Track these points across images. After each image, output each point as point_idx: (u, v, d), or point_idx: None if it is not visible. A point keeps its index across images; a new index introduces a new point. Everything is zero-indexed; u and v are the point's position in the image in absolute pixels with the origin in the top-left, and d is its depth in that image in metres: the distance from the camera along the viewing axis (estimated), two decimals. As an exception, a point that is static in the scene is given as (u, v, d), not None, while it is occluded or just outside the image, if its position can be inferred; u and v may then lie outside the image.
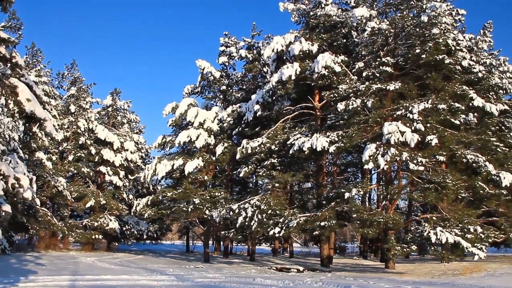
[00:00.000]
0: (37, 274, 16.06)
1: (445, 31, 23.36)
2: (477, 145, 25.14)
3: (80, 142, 36.43)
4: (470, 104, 24.28)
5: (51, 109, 34.90)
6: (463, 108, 23.16)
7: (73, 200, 34.44)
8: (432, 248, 20.34)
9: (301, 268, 22.60)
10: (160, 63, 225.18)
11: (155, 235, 43.89)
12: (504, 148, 26.61)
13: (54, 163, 33.90)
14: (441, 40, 22.66)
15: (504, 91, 31.42)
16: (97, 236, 34.79)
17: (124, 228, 38.86)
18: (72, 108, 37.28)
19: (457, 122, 22.77)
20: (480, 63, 29.88)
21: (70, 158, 36.19)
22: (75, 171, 36.38)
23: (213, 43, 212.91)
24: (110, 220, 35.36)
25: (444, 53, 22.93)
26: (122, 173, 37.78)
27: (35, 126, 12.97)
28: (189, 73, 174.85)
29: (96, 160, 37.17)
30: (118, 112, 42.58)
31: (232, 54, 34.43)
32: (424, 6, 22.86)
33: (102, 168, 36.98)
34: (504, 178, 22.76)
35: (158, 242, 51.57)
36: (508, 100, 32.76)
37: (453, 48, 24.17)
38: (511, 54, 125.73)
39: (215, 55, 34.77)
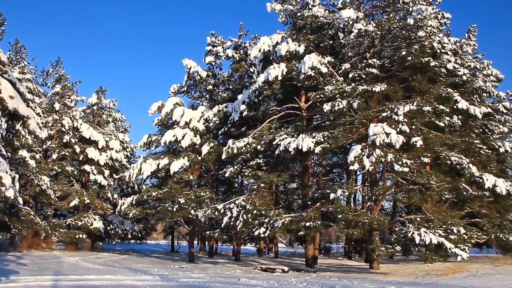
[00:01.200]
0: (18, 274, 15.83)
1: (431, 34, 23.58)
2: (461, 147, 25.42)
3: (64, 141, 36.03)
4: (455, 107, 24.55)
5: (35, 107, 34.51)
6: (447, 110, 23.40)
7: (56, 199, 34.08)
8: (416, 248, 20.48)
9: (286, 268, 22.64)
10: (146, 62, 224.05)
11: (139, 234, 43.58)
12: (487, 150, 26.99)
13: (38, 161, 33.50)
14: (426, 43, 22.88)
15: (488, 94, 31.91)
16: (81, 235, 34.42)
17: (108, 228, 38.54)
18: (57, 106, 36.90)
19: (441, 124, 22.98)
20: (465, 66, 30.25)
21: (54, 156, 35.77)
22: (59, 170, 35.98)
23: (200, 43, 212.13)
24: (94, 220, 35.04)
25: (430, 55, 23.15)
26: (107, 172, 37.47)
27: (18, 124, 12.79)
28: (176, 72, 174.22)
29: (80, 159, 36.82)
30: (103, 111, 42.20)
31: (218, 54, 34.36)
32: (410, 9, 23.05)
33: (87, 167, 36.65)
34: (487, 180, 23.09)
35: (143, 242, 51.24)
36: (492, 103, 33.29)
37: (438, 51, 24.42)
38: (494, 57, 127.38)
39: (202, 55, 34.63)
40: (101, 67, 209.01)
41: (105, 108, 42.46)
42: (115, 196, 38.48)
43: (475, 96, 29.66)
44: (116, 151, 38.50)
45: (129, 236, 42.09)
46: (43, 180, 31.99)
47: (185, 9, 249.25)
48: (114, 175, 38.84)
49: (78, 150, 36.37)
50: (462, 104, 24.61)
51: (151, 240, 67.23)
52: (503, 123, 32.79)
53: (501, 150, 30.56)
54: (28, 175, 31.57)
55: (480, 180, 23.35)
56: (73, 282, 14.24)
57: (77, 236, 34.33)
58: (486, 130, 30.95)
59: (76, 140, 36.72)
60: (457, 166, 23.18)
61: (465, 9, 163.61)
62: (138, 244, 49.81)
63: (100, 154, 36.96)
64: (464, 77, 27.74)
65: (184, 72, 32.56)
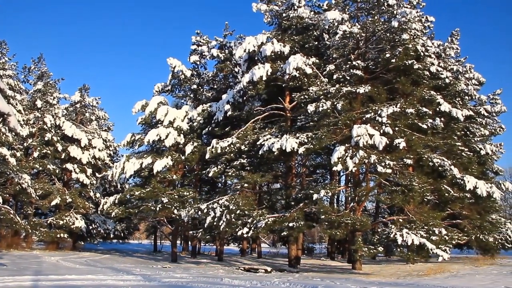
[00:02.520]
0: (-3, 274, 15.57)
1: (415, 37, 23.78)
2: (443, 149, 25.69)
3: (46, 139, 35.63)
4: (437, 109, 24.80)
5: (16, 104, 34.13)
6: (430, 112, 23.62)
7: (37, 198, 33.65)
8: (398, 249, 20.68)
9: (269, 269, 22.64)
10: (131, 60, 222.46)
11: (122, 234, 43.28)
12: (468, 153, 27.35)
13: (18, 159, 33.09)
14: (410, 46, 23.04)
15: (470, 97, 32.34)
16: (62, 235, 34.07)
17: (90, 227, 38.22)
18: (39, 103, 36.45)
19: (424, 126, 23.18)
20: (448, 69, 30.57)
21: (35, 154, 35.34)
22: (41, 168, 35.54)
23: (185, 42, 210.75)
24: (76, 219, 34.71)
25: (413, 58, 23.33)
26: (89, 171, 37.14)
27: (-2, 121, 12.61)
28: (160, 72, 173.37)
29: (62, 157, 36.43)
30: (86, 109, 41.86)
31: (203, 53, 34.24)
32: (394, 12, 23.20)
33: (69, 166, 36.26)
34: (468, 181, 23.39)
35: (125, 242, 50.86)
36: (473, 106, 33.73)
37: (422, 53, 24.63)
38: (476, 61, 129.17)
39: (187, 54, 34.50)
40: (84, 65, 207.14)
41: (88, 106, 42.13)
42: (98, 195, 38.17)
43: (457, 99, 29.99)
44: (99, 150, 38.20)
45: (112, 236, 41.74)
46: (24, 179, 31.56)
47: (171, 8, 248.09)
48: (97, 174, 38.55)
49: (60, 148, 35.97)
50: (445, 106, 24.87)
51: (134, 239, 66.84)
52: (484, 126, 33.26)
53: (482, 152, 31.02)
54: (8, 173, 31.14)
55: (462, 182, 23.65)
56: (54, 282, 14.03)
57: (58, 236, 33.99)
58: (467, 132, 31.35)
59: (58, 138, 36.33)
60: (439, 168, 23.43)
61: (448, 13, 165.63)
62: (121, 243, 49.49)
63: (83, 153, 36.63)
64: (447, 80, 28.02)
65: (168, 71, 32.48)
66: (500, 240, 28.86)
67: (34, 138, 35.63)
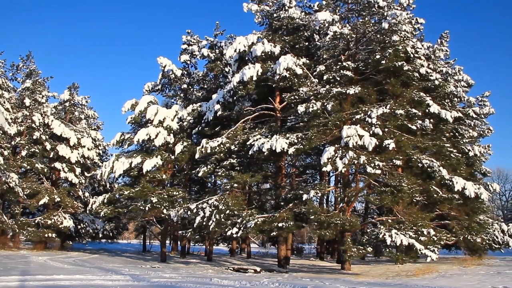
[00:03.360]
0: (-17, 274, 15.41)
1: (405, 38, 23.86)
2: (432, 150, 25.81)
3: (34, 137, 35.32)
4: (427, 111, 24.88)
5: (4, 102, 33.80)
6: (419, 114, 23.70)
7: (25, 197, 33.34)
8: (387, 250, 20.75)
9: (258, 269, 22.64)
10: (121, 59, 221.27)
11: (111, 234, 42.97)
12: (457, 154, 27.49)
13: (6, 158, 32.75)
14: (400, 47, 23.12)
15: (459, 99, 32.56)
16: (50, 234, 33.78)
17: (79, 227, 37.96)
18: (27, 101, 36.12)
19: (413, 127, 23.25)
20: (437, 71, 30.75)
21: (24, 153, 35.02)
22: (28, 167, 35.21)
23: (175, 42, 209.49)
24: (65, 218, 34.45)
25: (403, 60, 23.40)
26: (78, 170, 36.86)
27: (-14, 119, 12.46)
28: (150, 71, 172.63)
29: (51, 156, 36.13)
30: (75, 108, 41.58)
31: (194, 53, 34.20)
32: (385, 13, 23.29)
33: (57, 165, 35.96)
34: (457, 183, 23.50)
35: (114, 241, 50.48)
36: (462, 107, 34.01)
37: (411, 55, 24.72)
38: (466, 63, 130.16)
39: (177, 54, 34.49)
40: (74, 64, 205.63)
41: (78, 105, 41.85)
42: (86, 194, 37.96)
43: (446, 101, 30.18)
44: (88, 149, 37.94)
45: (100, 235, 41.46)
46: (11, 177, 31.26)
47: (162, 8, 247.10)
48: (86, 173, 38.31)
49: (48, 147, 35.66)
50: (434, 108, 24.98)
51: (123, 239, 66.50)
52: (472, 127, 33.53)
53: (471, 154, 31.26)
54: (-5, 172, 30.81)
55: (450, 183, 23.76)
56: (41, 282, 13.92)
57: (46, 235, 33.70)
58: (456, 134, 31.57)
59: (47, 136, 36.02)
60: (428, 169, 23.54)
61: (438, 15, 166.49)
62: (109, 243, 49.17)
63: (72, 152, 36.36)
64: (436, 82, 28.13)
65: (158, 70, 32.41)
66: (487, 241, 29.11)
67: (22, 136, 35.31)
